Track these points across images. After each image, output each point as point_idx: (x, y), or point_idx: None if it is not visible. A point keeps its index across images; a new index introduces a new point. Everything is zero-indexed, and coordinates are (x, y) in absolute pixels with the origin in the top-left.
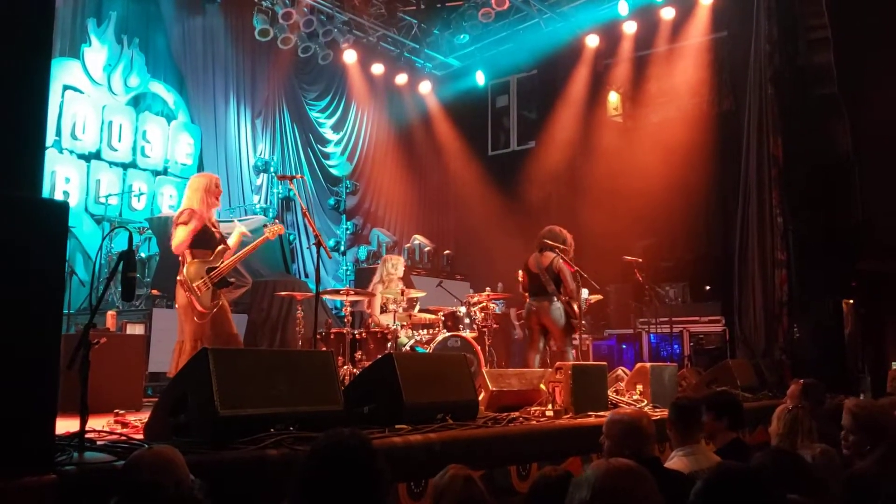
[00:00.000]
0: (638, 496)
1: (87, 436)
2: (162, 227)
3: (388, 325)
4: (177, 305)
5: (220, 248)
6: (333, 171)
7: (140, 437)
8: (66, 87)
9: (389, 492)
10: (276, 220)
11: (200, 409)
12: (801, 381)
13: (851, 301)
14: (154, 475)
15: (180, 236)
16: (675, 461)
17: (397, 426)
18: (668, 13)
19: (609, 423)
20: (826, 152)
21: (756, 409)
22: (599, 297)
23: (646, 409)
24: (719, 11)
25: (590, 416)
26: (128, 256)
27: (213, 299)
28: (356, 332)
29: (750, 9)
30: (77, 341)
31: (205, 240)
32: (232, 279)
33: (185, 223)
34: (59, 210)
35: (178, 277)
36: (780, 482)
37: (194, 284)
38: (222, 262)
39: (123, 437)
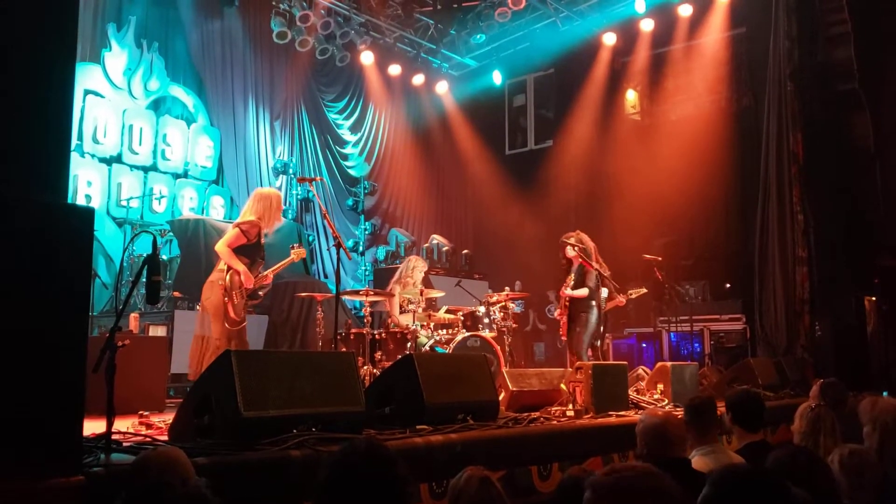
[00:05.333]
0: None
1: (113, 437)
2: (183, 230)
3: (407, 325)
4: (204, 304)
5: (258, 262)
6: (351, 171)
7: (164, 438)
8: (87, 92)
9: (412, 499)
10: (298, 245)
11: (224, 410)
12: (821, 380)
13: (874, 298)
14: (162, 474)
15: (232, 240)
16: (696, 461)
17: (418, 426)
18: (685, 10)
19: (638, 425)
20: (846, 148)
21: (778, 407)
22: (643, 290)
23: (666, 408)
24: (737, 8)
25: (610, 415)
26: (152, 260)
27: (245, 310)
28: (376, 332)
29: (768, 5)
30: (102, 344)
31: (252, 252)
32: (260, 292)
33: (245, 231)
34: (85, 215)
35: (215, 278)
36: (794, 479)
37: (234, 292)
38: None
39: (149, 439)
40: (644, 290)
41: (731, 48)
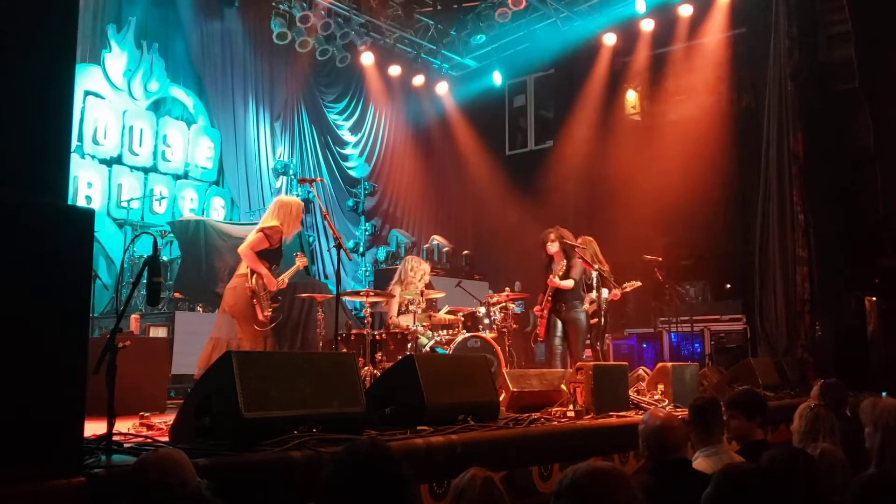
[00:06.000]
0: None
1: (114, 438)
2: (183, 231)
3: (407, 325)
4: (228, 309)
5: (274, 268)
6: (352, 172)
7: (165, 439)
8: (87, 93)
9: (416, 498)
10: (301, 253)
11: (225, 411)
12: (822, 381)
13: (874, 298)
14: (161, 475)
15: (255, 243)
16: (699, 462)
17: (419, 427)
18: (685, 10)
19: (640, 426)
20: (847, 148)
21: (778, 407)
22: (637, 283)
23: (667, 408)
24: (737, 8)
25: (611, 416)
26: (153, 262)
27: (273, 312)
28: (376, 333)
29: (769, 5)
30: (103, 345)
31: (272, 256)
32: (279, 297)
33: (268, 235)
34: (86, 217)
35: (237, 283)
36: (789, 480)
37: (262, 294)
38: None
39: (149, 440)
40: (638, 283)
41: (731, 48)
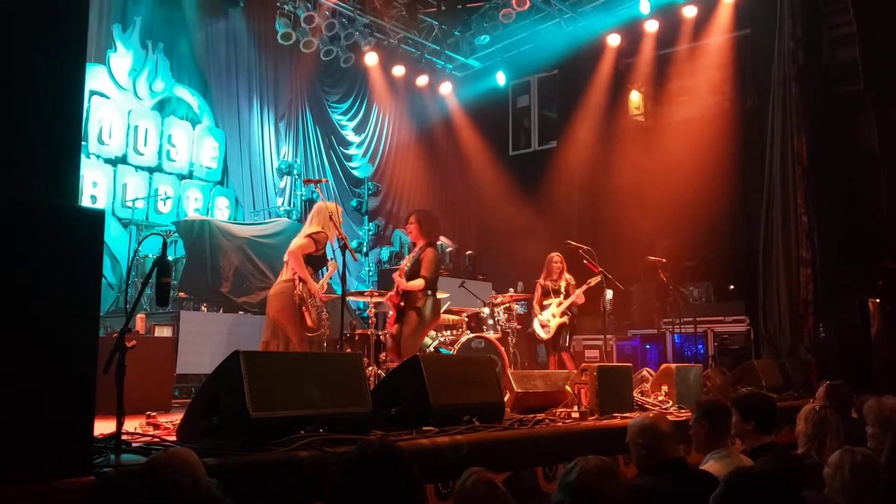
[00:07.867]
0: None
1: (122, 438)
2: (188, 231)
3: None
4: (275, 315)
5: (317, 274)
6: (355, 172)
7: (173, 438)
8: (92, 93)
9: (424, 498)
10: (332, 259)
11: (232, 411)
12: (828, 382)
13: (877, 299)
14: (172, 475)
15: (304, 246)
16: (711, 465)
17: (424, 428)
18: (690, 11)
19: (630, 429)
20: (851, 150)
21: (781, 409)
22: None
23: (672, 409)
24: (742, 9)
25: (615, 417)
26: (162, 262)
27: (320, 320)
28: (380, 333)
29: (773, 6)
30: (113, 345)
31: (317, 262)
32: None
33: (315, 240)
34: (95, 218)
35: (282, 289)
36: (793, 484)
37: (309, 300)
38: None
39: (157, 439)
40: (598, 278)
41: (735, 49)
